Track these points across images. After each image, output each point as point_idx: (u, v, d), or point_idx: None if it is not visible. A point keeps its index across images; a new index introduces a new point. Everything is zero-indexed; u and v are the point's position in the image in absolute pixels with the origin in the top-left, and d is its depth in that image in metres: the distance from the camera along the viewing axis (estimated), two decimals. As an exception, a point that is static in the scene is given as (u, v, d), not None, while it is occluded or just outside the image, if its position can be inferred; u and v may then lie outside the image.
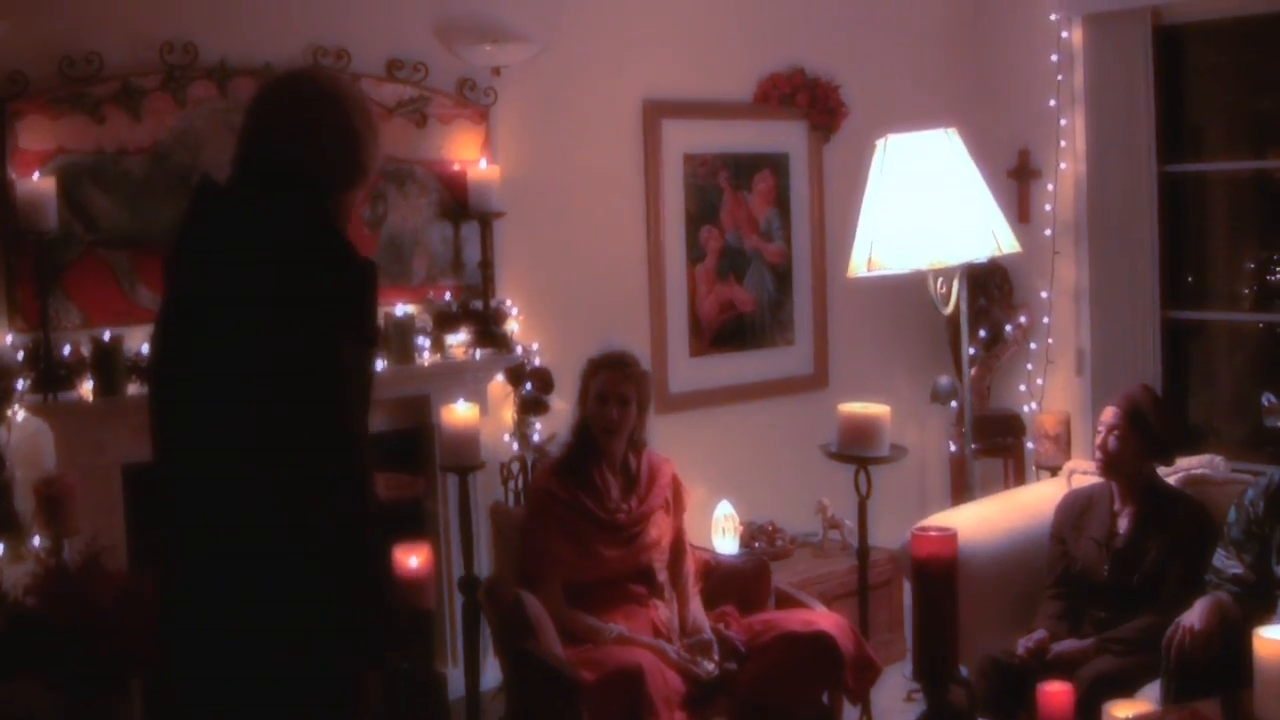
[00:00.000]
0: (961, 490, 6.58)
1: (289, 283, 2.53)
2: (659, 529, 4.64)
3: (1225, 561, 4.29)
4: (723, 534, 5.63)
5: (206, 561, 2.55)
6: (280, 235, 2.57)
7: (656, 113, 6.03)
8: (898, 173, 5.07)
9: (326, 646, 2.53)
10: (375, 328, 2.73)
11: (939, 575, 3.51)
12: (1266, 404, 6.62)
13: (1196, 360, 6.76)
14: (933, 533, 3.52)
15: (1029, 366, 6.75)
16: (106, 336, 4.65)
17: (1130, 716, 3.45)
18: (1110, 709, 3.46)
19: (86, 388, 4.65)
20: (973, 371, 6.23)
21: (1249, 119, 6.65)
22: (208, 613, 2.55)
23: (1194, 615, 4.09)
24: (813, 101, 6.45)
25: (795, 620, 4.53)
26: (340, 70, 5.00)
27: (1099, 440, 4.60)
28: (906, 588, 6.02)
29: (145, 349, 4.64)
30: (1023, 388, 6.76)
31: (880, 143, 5.17)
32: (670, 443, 5.19)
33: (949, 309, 5.30)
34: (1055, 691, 3.64)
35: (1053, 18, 6.51)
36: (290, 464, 2.49)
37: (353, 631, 2.55)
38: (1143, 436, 4.57)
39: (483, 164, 5.47)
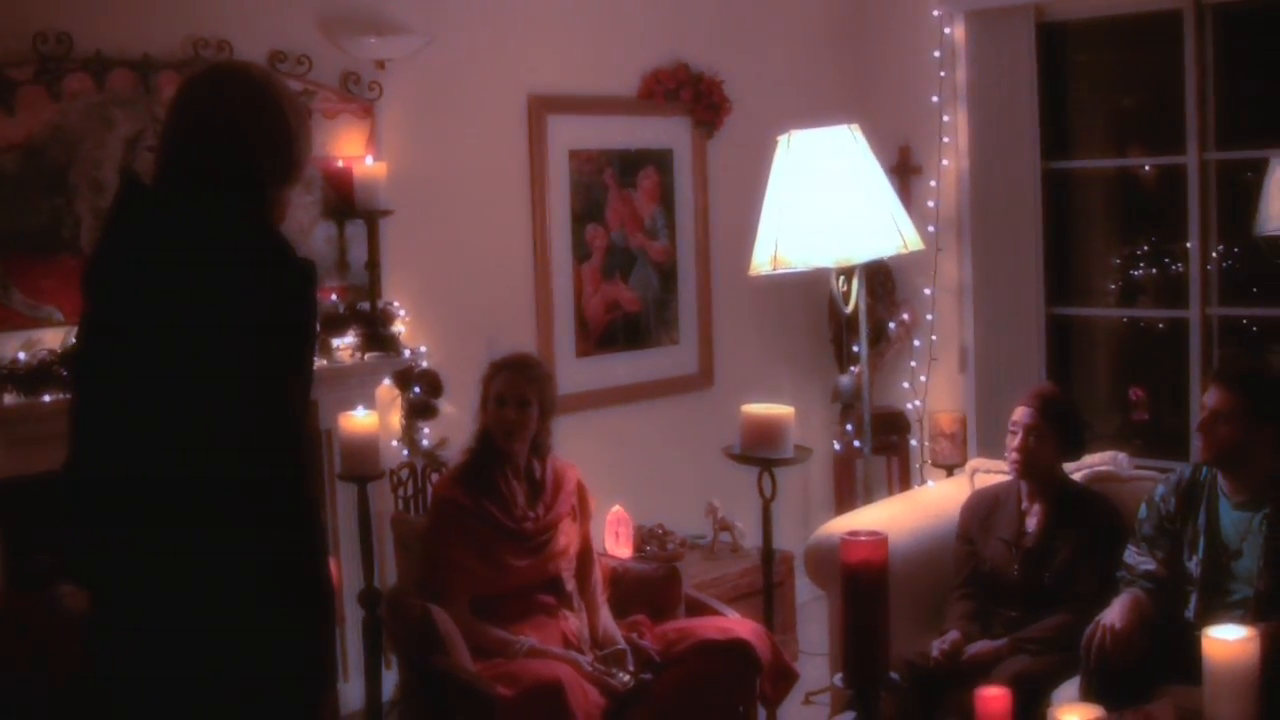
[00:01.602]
0: (848, 490, 6.55)
1: (225, 284, 2.43)
2: (567, 537, 4.52)
3: (1137, 558, 4.27)
4: (616, 538, 5.52)
5: (136, 573, 2.42)
6: (216, 235, 2.47)
7: (542, 108, 5.88)
8: (801, 169, 4.99)
9: (288, 667, 2.44)
10: (315, 327, 2.63)
11: (871, 581, 3.39)
12: (1133, 398, 6.73)
13: (1072, 356, 6.81)
14: (863, 537, 3.42)
15: (912, 364, 6.74)
16: (-22, 344, 4.38)
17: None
18: (1056, 713, 3.41)
19: (-44, 398, 4.37)
20: (856, 370, 6.19)
21: (1118, 116, 6.73)
22: (141, 631, 2.43)
23: (1113, 614, 4.07)
24: (696, 97, 6.35)
25: (711, 628, 4.45)
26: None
27: (1017, 442, 4.53)
28: (799, 588, 5.99)
29: (22, 356, 4.42)
30: (905, 385, 6.75)
31: (783, 139, 5.08)
32: (557, 445, 5.04)
33: (850, 307, 5.24)
34: (993, 696, 3.58)
35: (935, 14, 6.50)
36: (230, 466, 2.40)
37: (308, 647, 2.47)
38: (1061, 435, 4.55)
39: (369, 160, 5.26)
